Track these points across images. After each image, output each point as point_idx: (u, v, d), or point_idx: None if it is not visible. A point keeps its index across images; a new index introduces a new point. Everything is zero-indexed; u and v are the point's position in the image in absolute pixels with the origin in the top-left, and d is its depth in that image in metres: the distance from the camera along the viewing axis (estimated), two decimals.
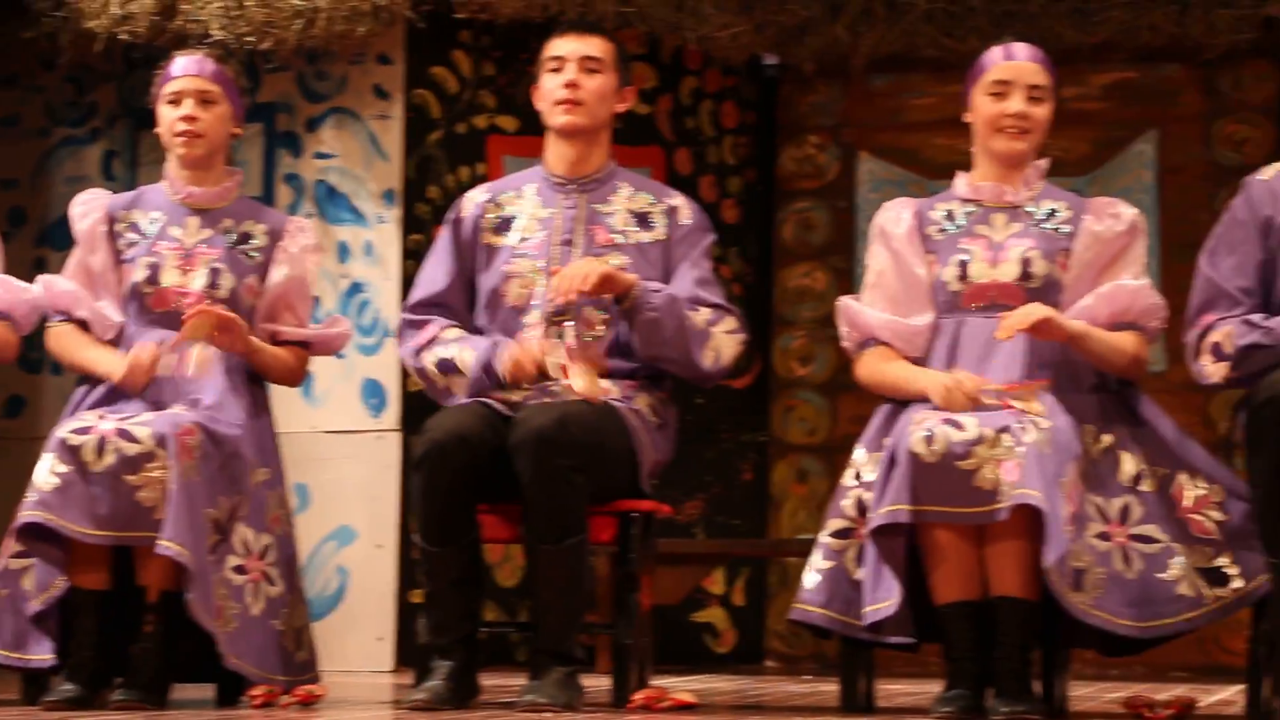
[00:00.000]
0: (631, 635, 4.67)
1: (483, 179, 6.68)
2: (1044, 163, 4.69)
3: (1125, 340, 4.52)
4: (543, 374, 4.64)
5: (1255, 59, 7.06)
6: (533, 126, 4.92)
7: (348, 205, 6.89)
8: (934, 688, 4.47)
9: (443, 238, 4.90)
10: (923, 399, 4.47)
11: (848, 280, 7.13)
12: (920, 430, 4.33)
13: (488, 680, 4.85)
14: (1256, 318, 4.39)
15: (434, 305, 4.84)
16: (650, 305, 4.66)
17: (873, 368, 4.60)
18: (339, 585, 6.75)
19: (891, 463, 4.38)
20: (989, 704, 4.32)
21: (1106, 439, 4.50)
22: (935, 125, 7.17)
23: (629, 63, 4.91)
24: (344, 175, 6.91)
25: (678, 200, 4.88)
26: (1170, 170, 7.12)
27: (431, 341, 4.79)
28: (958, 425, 4.33)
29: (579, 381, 4.53)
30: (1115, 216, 4.60)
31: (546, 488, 4.49)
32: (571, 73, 4.77)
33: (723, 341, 4.75)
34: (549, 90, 4.80)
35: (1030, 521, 4.27)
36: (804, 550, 4.70)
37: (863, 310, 4.64)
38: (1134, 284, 4.54)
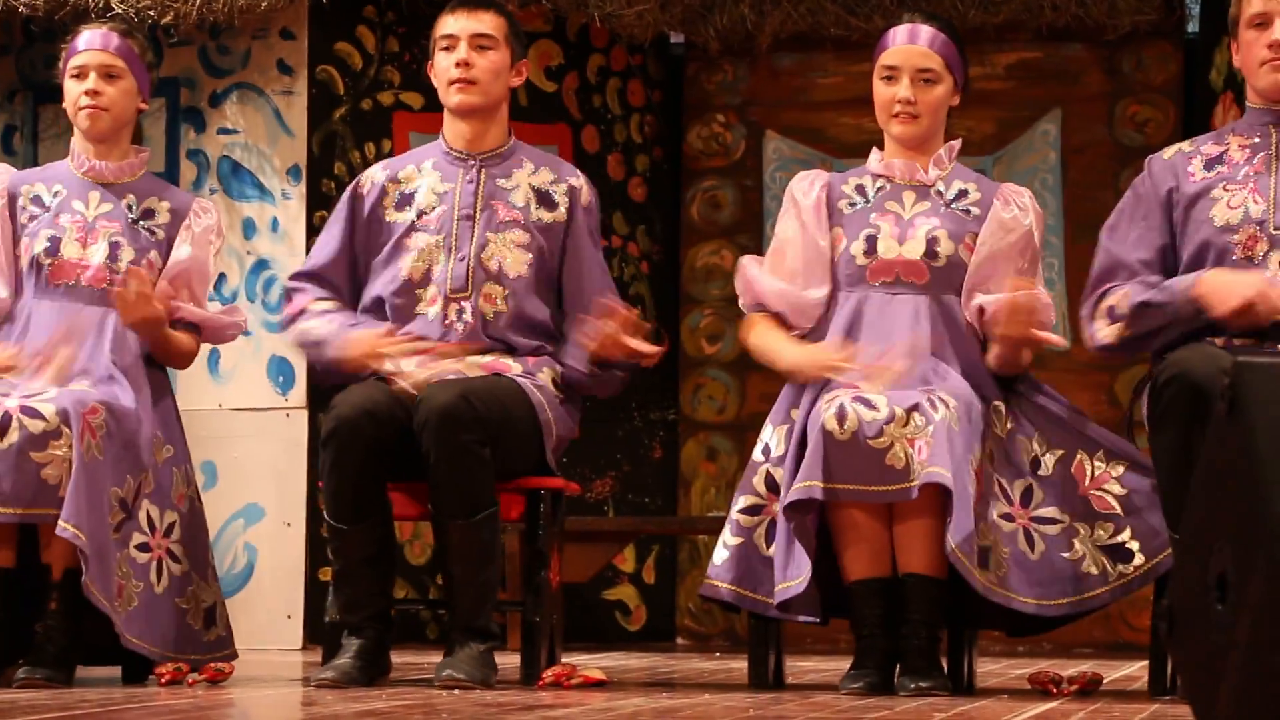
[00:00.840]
0: (541, 613, 4.66)
1: (389, 156, 6.63)
2: (956, 143, 4.70)
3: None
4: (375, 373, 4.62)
5: (1157, 40, 7.11)
6: (439, 103, 4.89)
7: (253, 181, 6.83)
8: (843, 664, 4.49)
9: (339, 211, 4.85)
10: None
11: None
12: (831, 408, 4.34)
13: (398, 658, 4.82)
14: (1153, 279, 4.38)
15: (314, 278, 4.80)
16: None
17: (755, 332, 4.62)
18: (247, 563, 6.70)
19: (802, 438, 4.40)
20: (897, 681, 4.34)
21: (1011, 420, 4.52)
22: (841, 104, 7.18)
23: (522, 35, 4.86)
24: (248, 151, 6.85)
25: (579, 180, 4.84)
26: (1074, 150, 7.16)
27: (301, 313, 4.76)
28: (869, 404, 4.35)
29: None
30: (1023, 209, 4.61)
31: (453, 464, 4.47)
32: (463, 51, 4.72)
33: None
34: (442, 69, 4.75)
35: (939, 500, 4.28)
36: (714, 528, 4.71)
37: (760, 278, 4.64)
38: (1046, 296, 4.55)
